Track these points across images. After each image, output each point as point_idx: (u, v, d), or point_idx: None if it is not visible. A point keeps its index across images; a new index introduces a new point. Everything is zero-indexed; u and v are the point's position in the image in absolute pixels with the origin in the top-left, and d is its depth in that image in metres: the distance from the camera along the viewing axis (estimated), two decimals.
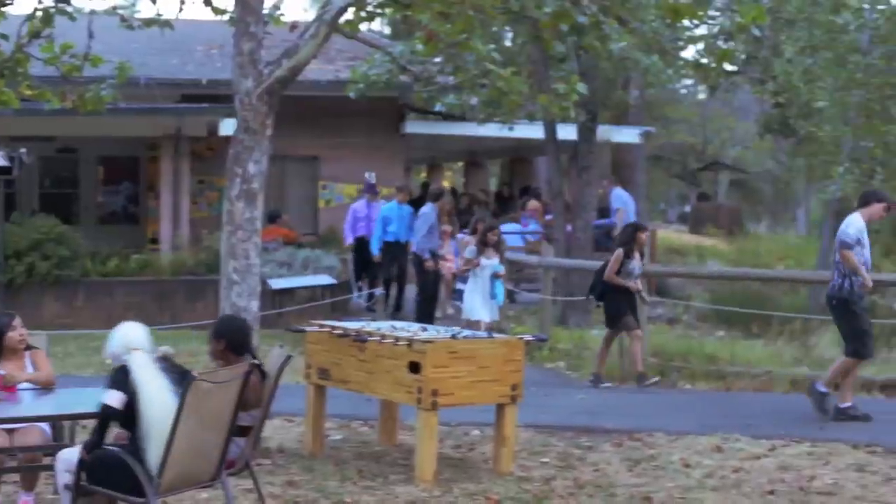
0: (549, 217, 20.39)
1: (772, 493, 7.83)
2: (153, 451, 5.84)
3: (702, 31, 20.22)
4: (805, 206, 45.64)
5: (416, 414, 8.00)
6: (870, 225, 10.76)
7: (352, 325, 8.97)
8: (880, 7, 19.70)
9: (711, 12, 21.61)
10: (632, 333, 12.96)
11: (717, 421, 10.45)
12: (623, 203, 21.98)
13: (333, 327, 8.92)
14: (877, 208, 10.63)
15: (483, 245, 13.90)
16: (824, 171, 21.35)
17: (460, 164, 35.14)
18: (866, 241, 10.62)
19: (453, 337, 8.39)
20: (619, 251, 13.06)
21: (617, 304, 12.95)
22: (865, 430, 10.17)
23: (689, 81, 40.85)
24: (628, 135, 25.27)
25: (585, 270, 17.73)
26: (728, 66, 21.47)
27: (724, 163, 47.34)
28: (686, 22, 14.80)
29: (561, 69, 16.71)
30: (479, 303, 13.84)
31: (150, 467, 5.84)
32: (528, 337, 9.19)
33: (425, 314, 16.05)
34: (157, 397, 5.92)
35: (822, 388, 10.82)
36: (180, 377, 6.01)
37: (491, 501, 7.46)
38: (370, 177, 19.31)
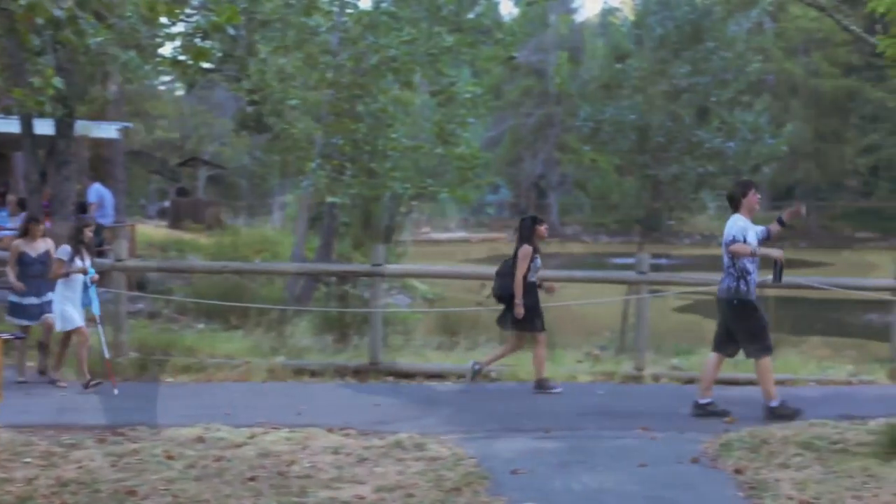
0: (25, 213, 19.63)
1: (253, 479, 8.05)
2: None
3: (179, 28, 20.28)
4: (280, 200, 46.98)
5: None
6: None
7: None
8: (349, 11, 20.70)
9: (188, 11, 21.81)
10: (538, 336, 12.29)
11: (199, 412, 10.62)
12: (99, 197, 21.65)
13: None
14: (752, 199, 10.68)
15: (80, 245, 12.53)
16: (298, 167, 22.01)
17: None
18: (753, 238, 10.64)
19: None
20: (527, 247, 12.20)
21: (530, 305, 12.12)
22: (338, 414, 10.71)
23: (167, 78, 40.72)
24: (107, 130, 24.93)
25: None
26: (205, 64, 21.71)
27: (203, 158, 47.72)
28: (163, 19, 14.85)
29: (37, 63, 16.25)
30: (73, 311, 12.42)
31: None
32: (5, 335, 8.86)
33: None
34: None
35: (773, 403, 10.71)
36: None
37: None
38: None
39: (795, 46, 64.18)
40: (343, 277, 20.47)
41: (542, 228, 12.47)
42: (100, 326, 12.64)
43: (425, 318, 19.40)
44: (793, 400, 10.94)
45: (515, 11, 24.06)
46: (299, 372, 13.60)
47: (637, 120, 23.97)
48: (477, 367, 12.63)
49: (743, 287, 10.64)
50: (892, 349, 13.85)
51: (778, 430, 9.69)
